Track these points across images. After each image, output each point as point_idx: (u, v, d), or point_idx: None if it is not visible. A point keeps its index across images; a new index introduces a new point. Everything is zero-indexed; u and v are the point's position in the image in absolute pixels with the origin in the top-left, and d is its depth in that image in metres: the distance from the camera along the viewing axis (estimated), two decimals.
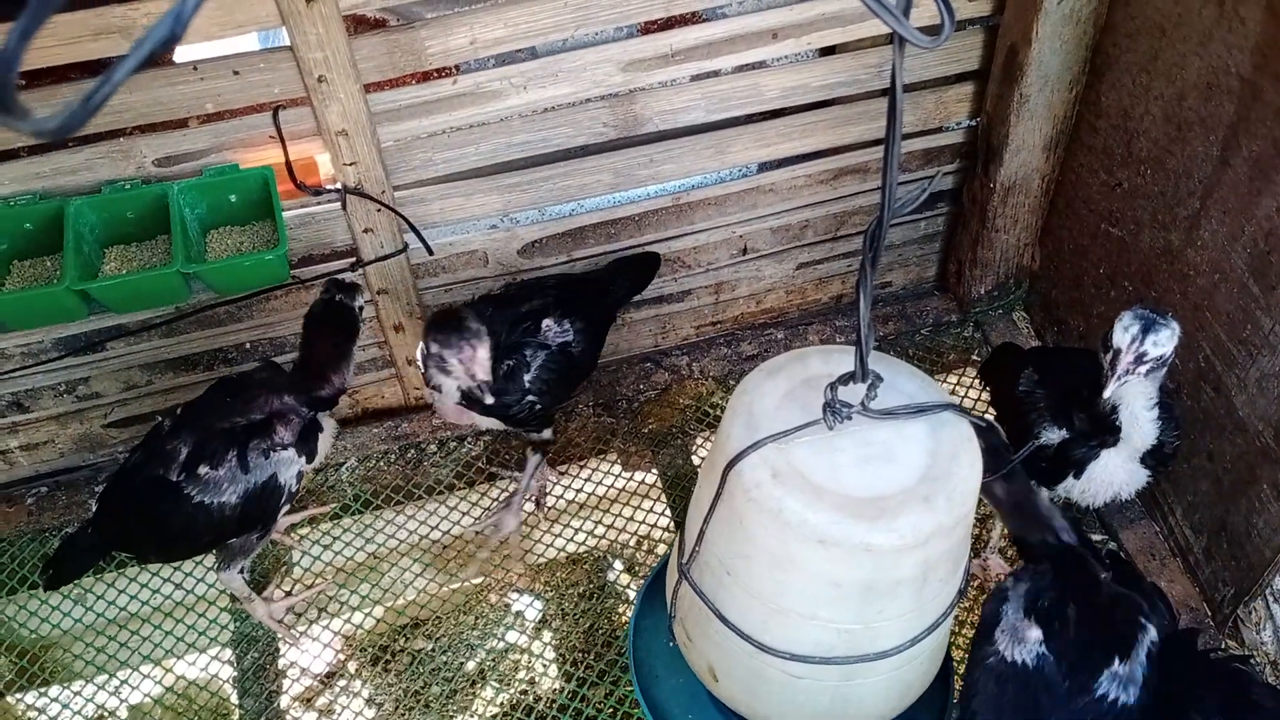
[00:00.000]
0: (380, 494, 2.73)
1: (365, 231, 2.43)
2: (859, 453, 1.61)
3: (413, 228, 2.41)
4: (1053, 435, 2.19)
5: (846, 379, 1.56)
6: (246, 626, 2.51)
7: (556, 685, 2.44)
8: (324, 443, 2.29)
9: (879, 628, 1.64)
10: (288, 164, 2.26)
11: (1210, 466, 2.35)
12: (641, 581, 2.59)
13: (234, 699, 2.43)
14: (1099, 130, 2.58)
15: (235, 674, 2.44)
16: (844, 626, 1.63)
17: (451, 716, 2.41)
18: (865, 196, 2.87)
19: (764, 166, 2.86)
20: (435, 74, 2.38)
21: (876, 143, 2.75)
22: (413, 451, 2.80)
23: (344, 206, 2.35)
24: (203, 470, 2.11)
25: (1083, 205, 2.70)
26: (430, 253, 2.50)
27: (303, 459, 2.22)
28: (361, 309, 2.30)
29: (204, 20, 2.04)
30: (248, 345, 2.60)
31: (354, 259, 2.48)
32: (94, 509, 2.28)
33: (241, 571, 2.35)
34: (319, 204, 2.38)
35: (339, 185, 2.33)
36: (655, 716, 2.09)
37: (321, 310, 2.26)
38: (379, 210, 2.38)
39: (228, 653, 2.49)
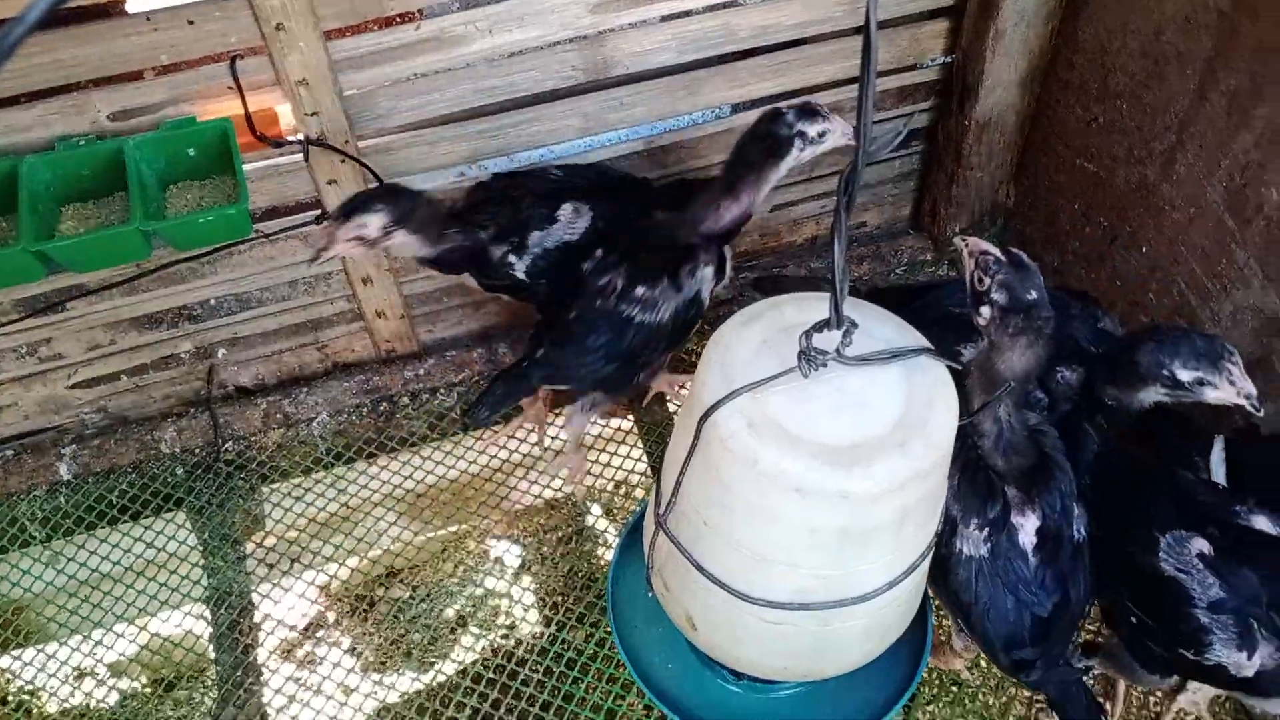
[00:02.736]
0: (353, 447, 2.71)
1: (329, 183, 2.37)
2: (835, 400, 1.59)
3: (377, 178, 2.36)
4: None
5: (821, 326, 1.54)
6: (218, 580, 2.49)
7: (537, 629, 2.46)
8: (728, 268, 2.40)
9: (857, 573, 1.64)
10: (247, 116, 2.20)
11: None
12: (620, 525, 2.59)
13: (211, 653, 2.43)
14: (1075, 65, 2.55)
15: (211, 630, 2.44)
16: (822, 573, 1.63)
17: (432, 663, 2.43)
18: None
19: (737, 108, 2.81)
20: (398, 19, 2.31)
21: (850, 81, 2.71)
22: (385, 405, 2.77)
23: (306, 158, 2.29)
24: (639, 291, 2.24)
25: (1058, 141, 2.67)
26: None
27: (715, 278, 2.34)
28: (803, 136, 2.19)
29: None
30: (212, 302, 2.55)
31: (319, 211, 2.43)
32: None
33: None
34: (280, 156, 2.31)
35: (301, 136, 2.27)
36: (635, 666, 2.10)
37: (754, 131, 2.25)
38: (343, 161, 2.33)
39: (201, 608, 2.48)
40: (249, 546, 2.54)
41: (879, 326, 1.69)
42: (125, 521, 2.58)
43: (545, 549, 2.59)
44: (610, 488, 2.68)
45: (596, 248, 2.33)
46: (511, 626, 2.50)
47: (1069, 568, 1.87)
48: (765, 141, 2.23)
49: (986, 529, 1.86)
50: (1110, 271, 2.56)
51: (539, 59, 2.40)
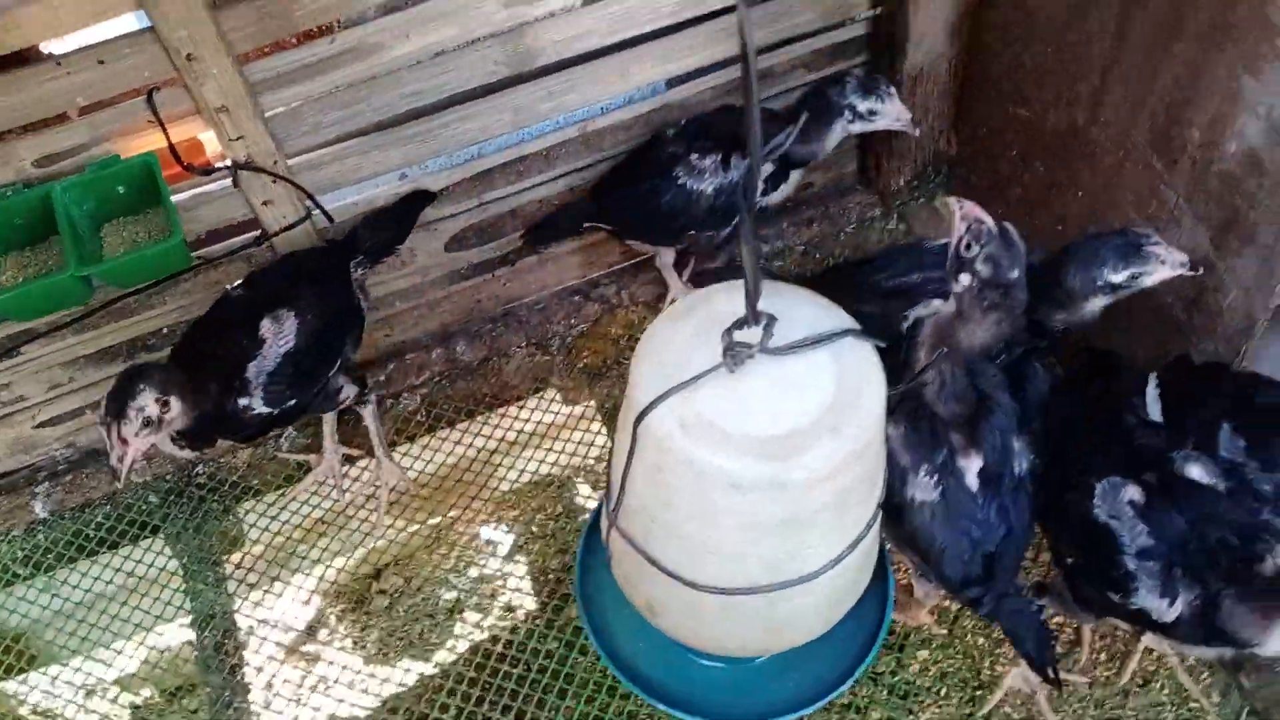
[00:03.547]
0: None
1: (265, 204, 2.37)
2: (765, 391, 1.61)
3: (309, 196, 2.36)
4: None
5: (742, 322, 1.56)
6: (201, 603, 2.54)
7: (534, 606, 2.50)
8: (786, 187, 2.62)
9: (804, 555, 1.68)
10: (171, 147, 2.20)
11: (1126, 339, 2.39)
12: None
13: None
14: (1000, 7, 2.53)
15: (197, 653, 2.49)
16: (768, 558, 1.66)
17: (433, 650, 2.48)
18: (775, 100, 2.81)
19: (672, 83, 2.79)
20: (314, 33, 2.30)
21: (781, 43, 2.70)
22: (349, 414, 2.79)
23: (236, 183, 2.29)
24: (693, 158, 2.49)
25: (991, 87, 2.67)
26: (330, 220, 2.45)
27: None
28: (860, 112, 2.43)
29: (62, 12, 1.94)
30: (165, 330, 2.56)
31: (259, 232, 2.44)
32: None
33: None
34: (211, 183, 2.32)
35: (228, 162, 2.27)
36: (604, 647, 2.13)
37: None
38: (274, 181, 2.33)
39: (187, 631, 2.53)
40: (228, 568, 2.59)
41: (804, 310, 1.70)
42: (104, 553, 2.62)
43: (535, 529, 2.62)
44: (592, 461, 2.71)
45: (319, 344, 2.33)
46: (509, 608, 2.54)
47: (1010, 500, 1.93)
48: (819, 102, 2.46)
49: (936, 475, 1.91)
50: (1052, 216, 2.57)
51: (461, 58, 2.38)
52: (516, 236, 2.78)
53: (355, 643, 2.50)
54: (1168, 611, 1.77)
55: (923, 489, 1.92)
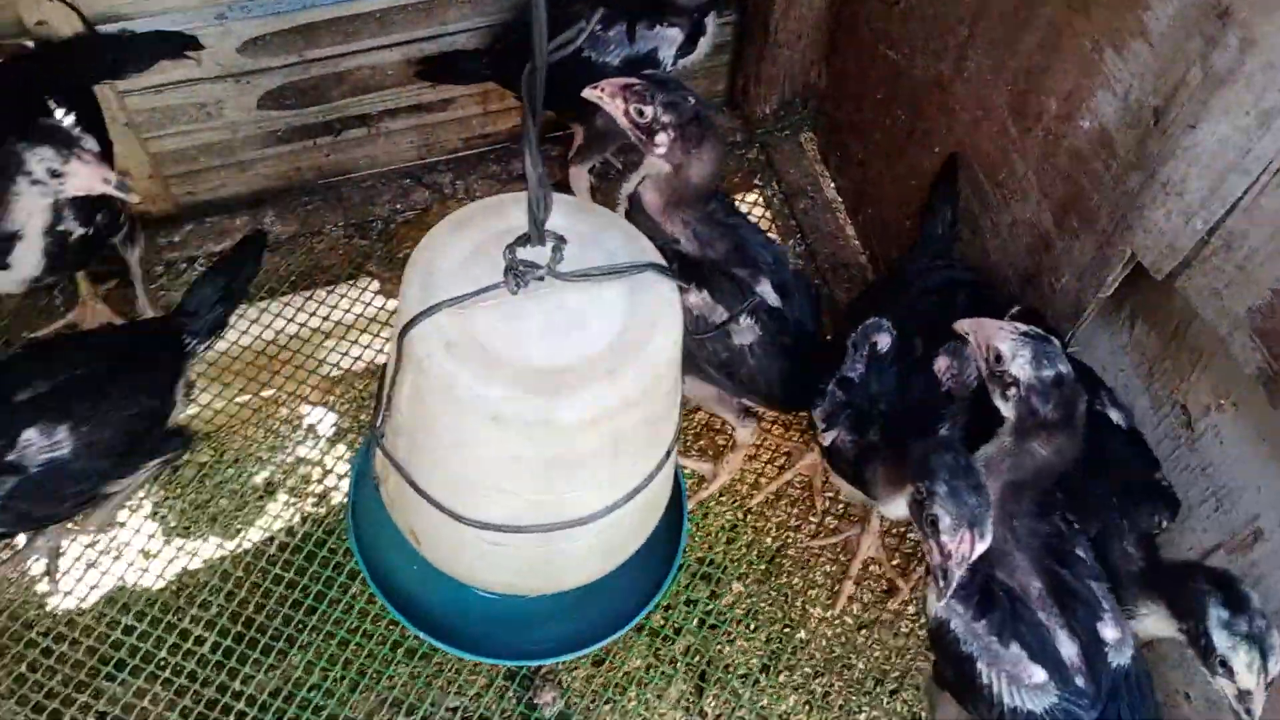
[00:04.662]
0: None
1: (39, 24, 2.07)
2: (550, 319, 1.48)
3: (82, 17, 2.06)
4: None
5: (527, 239, 1.41)
6: None
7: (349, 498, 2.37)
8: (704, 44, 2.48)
9: (570, 498, 1.57)
10: None
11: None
12: None
13: None
14: None
15: None
16: (532, 498, 1.55)
17: (239, 530, 2.37)
18: None
19: None
20: None
21: None
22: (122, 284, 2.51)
23: None
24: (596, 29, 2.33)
25: (863, 24, 2.53)
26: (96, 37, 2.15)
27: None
28: None
29: None
30: None
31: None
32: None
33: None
34: None
35: None
36: (372, 569, 1.99)
37: None
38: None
39: None
40: None
41: (609, 237, 1.56)
42: None
43: (364, 416, 2.46)
44: None
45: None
46: (323, 495, 2.41)
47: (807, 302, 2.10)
48: None
49: (750, 316, 1.98)
50: (907, 167, 2.47)
51: None
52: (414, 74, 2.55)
53: (155, 513, 2.35)
54: (823, 434, 1.95)
55: (747, 333, 1.99)
